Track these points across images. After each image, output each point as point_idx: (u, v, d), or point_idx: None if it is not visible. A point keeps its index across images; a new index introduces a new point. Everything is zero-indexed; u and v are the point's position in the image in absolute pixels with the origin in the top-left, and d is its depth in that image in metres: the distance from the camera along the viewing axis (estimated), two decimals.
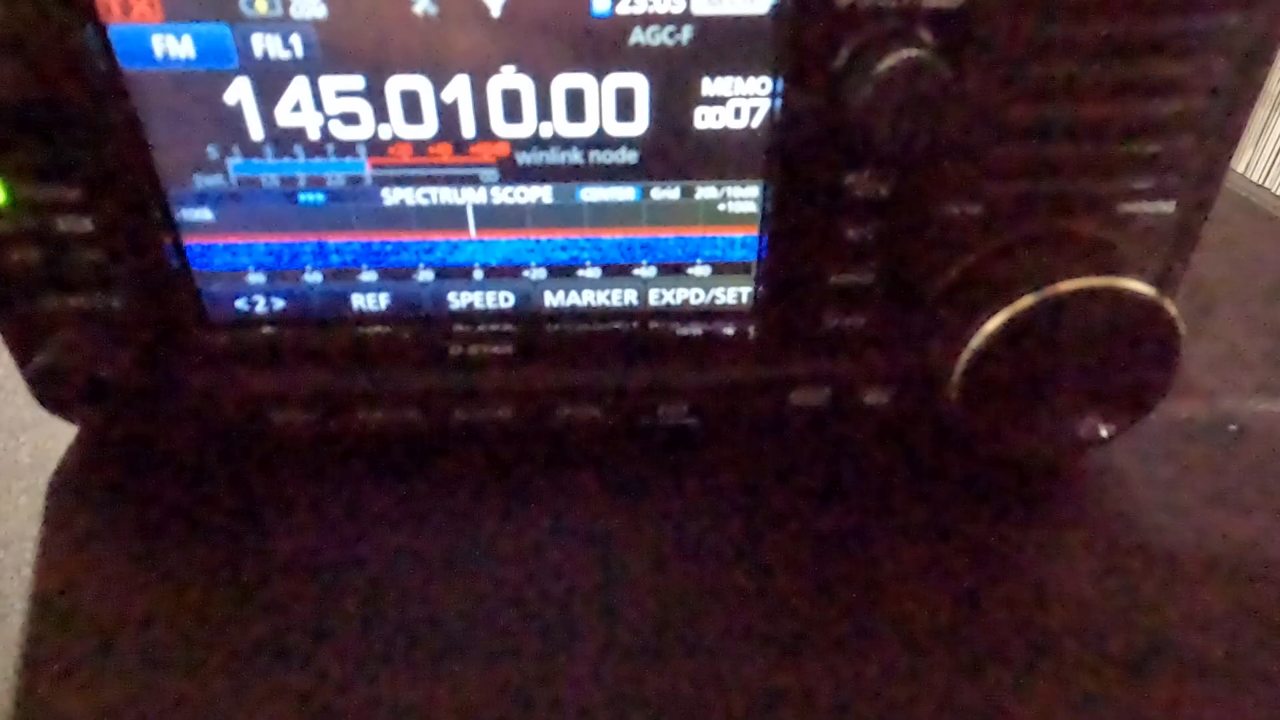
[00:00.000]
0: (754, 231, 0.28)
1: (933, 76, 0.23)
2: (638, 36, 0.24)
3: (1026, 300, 0.26)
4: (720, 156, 0.26)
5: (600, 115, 0.25)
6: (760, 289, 0.29)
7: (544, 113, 0.25)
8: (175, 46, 0.24)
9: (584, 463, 0.30)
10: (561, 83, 0.25)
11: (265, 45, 0.24)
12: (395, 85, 0.25)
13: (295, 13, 0.23)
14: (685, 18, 0.24)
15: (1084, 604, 0.26)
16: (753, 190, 0.27)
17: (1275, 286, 0.41)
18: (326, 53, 0.24)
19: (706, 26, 0.24)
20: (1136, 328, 0.26)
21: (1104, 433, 0.27)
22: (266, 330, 0.29)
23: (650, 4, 0.24)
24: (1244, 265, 0.43)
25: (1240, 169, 0.98)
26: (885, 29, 0.23)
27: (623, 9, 0.24)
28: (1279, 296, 0.40)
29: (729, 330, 0.29)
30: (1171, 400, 0.33)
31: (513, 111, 0.25)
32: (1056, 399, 0.27)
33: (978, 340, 0.26)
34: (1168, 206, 0.27)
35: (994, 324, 0.26)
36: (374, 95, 0.25)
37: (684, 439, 0.31)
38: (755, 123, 0.26)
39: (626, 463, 0.31)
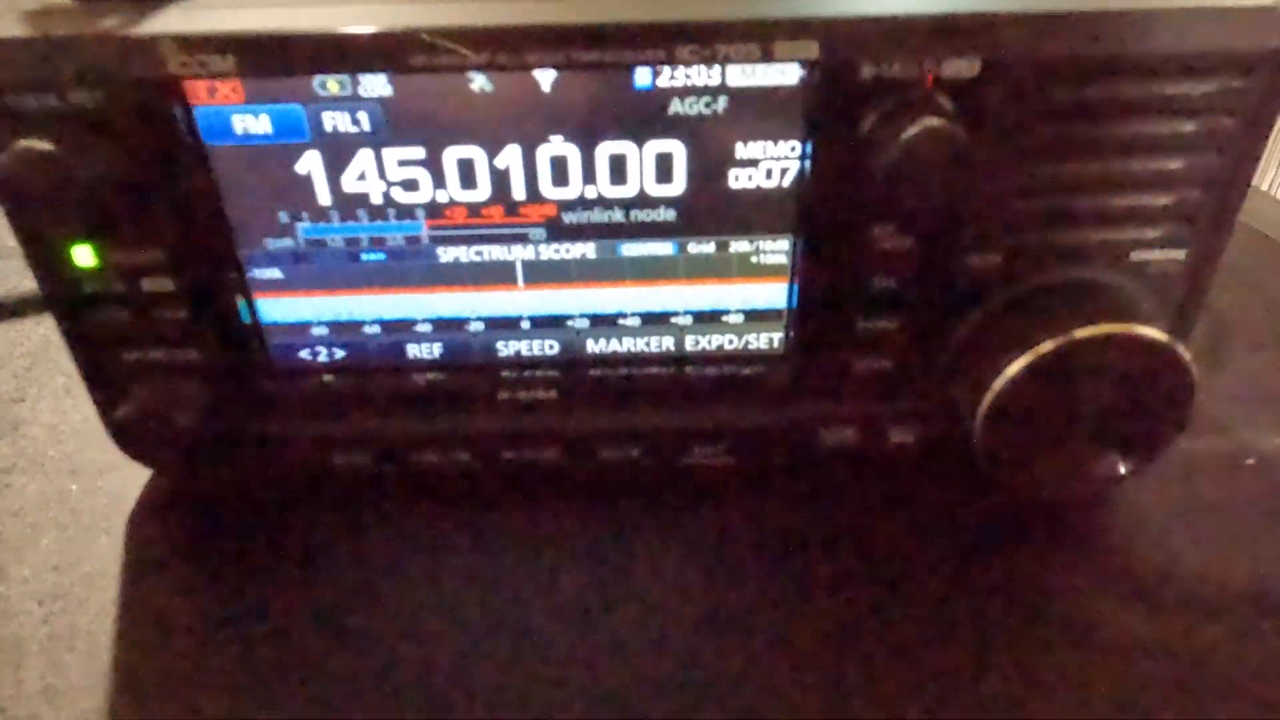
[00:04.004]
0: (785, 281, 0.30)
1: (951, 142, 0.24)
2: (676, 107, 0.26)
3: (1045, 346, 0.27)
4: (753, 214, 0.28)
5: (641, 178, 0.27)
6: (791, 335, 0.30)
7: (589, 176, 0.27)
8: (254, 124, 0.26)
9: (626, 499, 0.32)
10: (605, 149, 0.27)
11: (335, 121, 0.26)
12: (452, 154, 0.27)
13: (363, 92, 0.26)
14: (720, 89, 0.26)
15: (1110, 630, 0.27)
16: (783, 244, 0.29)
17: None
18: (391, 127, 0.26)
19: (740, 97, 0.26)
20: (1151, 371, 0.27)
21: (1122, 471, 0.29)
22: (328, 378, 0.31)
23: (688, 77, 0.26)
24: (1265, 300, 0.44)
25: (1264, 187, 0.97)
26: (905, 99, 0.25)
27: (663, 82, 0.26)
28: None
29: (762, 374, 0.31)
30: (1191, 434, 0.34)
31: (560, 176, 0.27)
32: (1076, 439, 0.28)
33: (999, 384, 0.28)
34: (1179, 254, 0.28)
35: (1014, 369, 0.27)
36: (433, 164, 0.27)
37: (721, 475, 0.33)
38: (786, 182, 0.28)
39: (667, 499, 0.32)
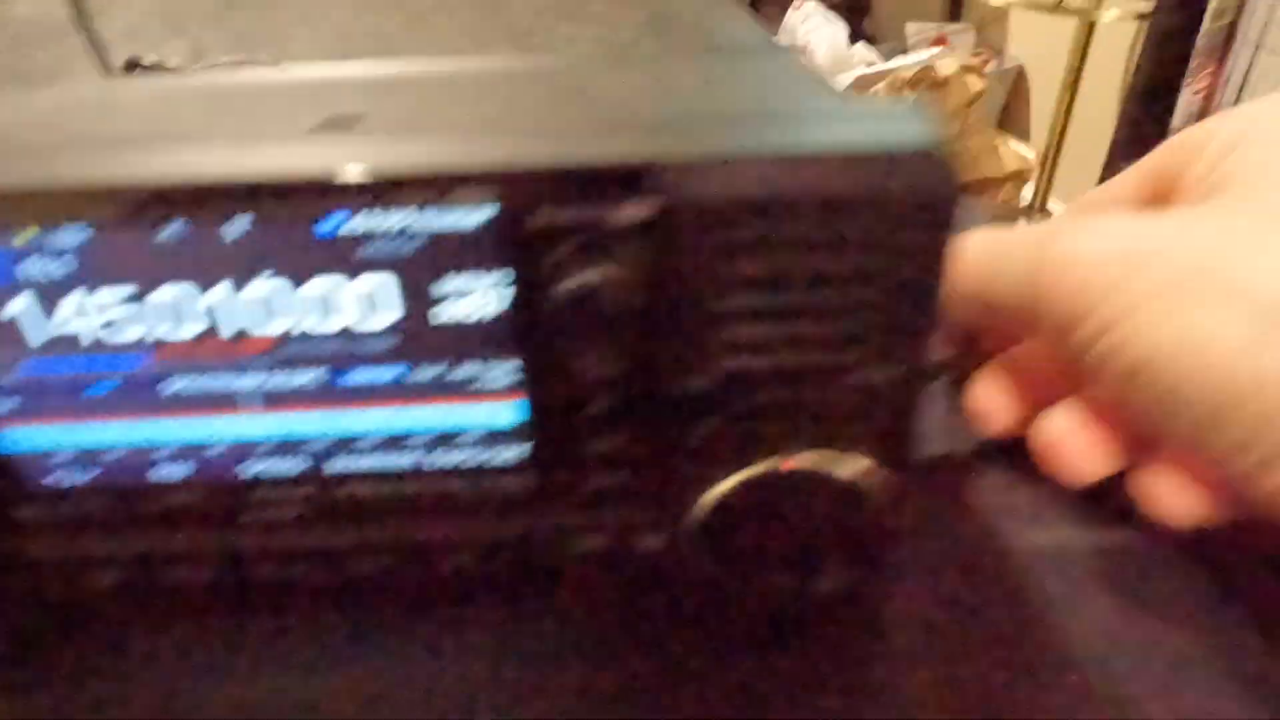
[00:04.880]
0: (517, 399, 0.30)
1: (619, 289, 0.25)
2: (367, 250, 0.27)
3: (750, 471, 0.28)
4: (472, 340, 0.29)
5: (351, 313, 0.28)
6: (530, 450, 0.31)
7: (298, 313, 0.28)
8: None
9: (381, 608, 0.33)
10: (308, 289, 0.27)
11: (35, 266, 0.27)
12: (160, 294, 0.27)
13: (59, 241, 0.26)
14: (409, 232, 0.26)
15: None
16: (509, 365, 0.29)
17: None
18: (93, 270, 0.27)
19: (432, 237, 0.27)
20: (853, 498, 0.28)
21: (833, 587, 0.29)
22: (77, 502, 0.31)
23: (370, 224, 0.26)
24: None
25: None
26: (579, 244, 0.26)
27: (344, 231, 0.26)
28: None
29: (506, 487, 0.32)
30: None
31: (269, 313, 0.28)
32: (786, 556, 0.29)
33: (708, 503, 0.28)
34: (893, 371, 0.29)
35: (719, 490, 0.28)
36: (142, 302, 0.27)
37: (480, 582, 0.33)
38: (501, 309, 0.28)
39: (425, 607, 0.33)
